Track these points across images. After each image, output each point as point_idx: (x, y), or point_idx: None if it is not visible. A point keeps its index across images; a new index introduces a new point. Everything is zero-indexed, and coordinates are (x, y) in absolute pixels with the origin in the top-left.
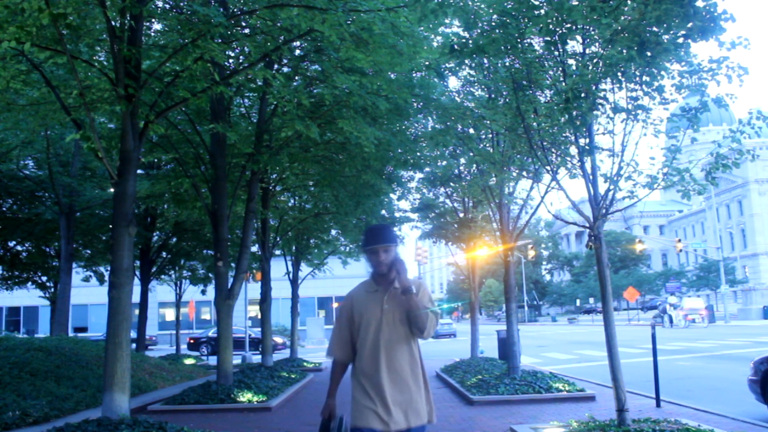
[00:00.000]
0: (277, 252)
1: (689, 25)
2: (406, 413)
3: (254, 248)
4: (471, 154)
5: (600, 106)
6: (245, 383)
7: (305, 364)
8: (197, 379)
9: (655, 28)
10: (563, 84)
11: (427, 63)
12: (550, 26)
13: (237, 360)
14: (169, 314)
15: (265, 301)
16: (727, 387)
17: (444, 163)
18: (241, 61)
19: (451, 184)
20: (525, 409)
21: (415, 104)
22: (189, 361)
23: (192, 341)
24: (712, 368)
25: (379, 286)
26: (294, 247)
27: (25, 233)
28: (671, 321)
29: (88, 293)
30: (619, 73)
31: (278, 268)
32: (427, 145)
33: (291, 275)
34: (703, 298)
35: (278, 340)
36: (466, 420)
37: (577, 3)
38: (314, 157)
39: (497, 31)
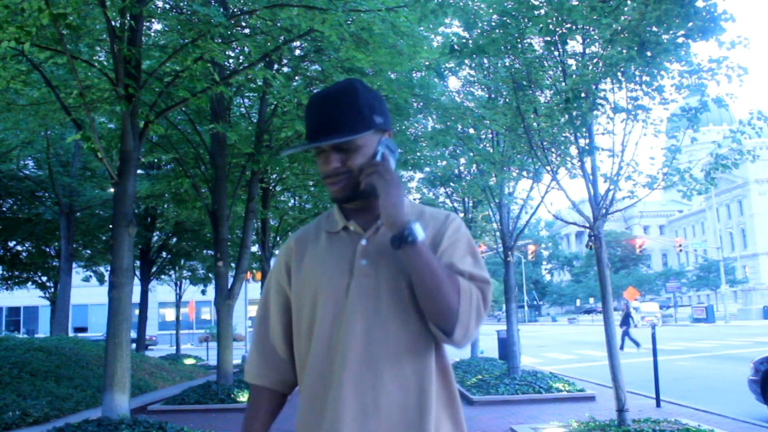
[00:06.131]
0: (277, 252)
1: (689, 25)
2: None
3: (254, 248)
4: (471, 154)
5: (600, 106)
6: (245, 383)
7: None
8: (197, 379)
9: (655, 28)
10: (563, 84)
11: (427, 63)
12: (550, 26)
13: (237, 360)
14: (169, 314)
15: None
16: (727, 387)
17: (444, 163)
18: (241, 61)
19: (451, 184)
20: (525, 409)
21: (415, 104)
22: (189, 361)
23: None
24: (712, 368)
25: (351, 221)
26: None
27: (25, 233)
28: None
29: (88, 293)
30: (619, 73)
31: None
32: (427, 145)
33: None
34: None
35: None
36: (466, 420)
37: (577, 3)
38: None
39: (497, 31)
